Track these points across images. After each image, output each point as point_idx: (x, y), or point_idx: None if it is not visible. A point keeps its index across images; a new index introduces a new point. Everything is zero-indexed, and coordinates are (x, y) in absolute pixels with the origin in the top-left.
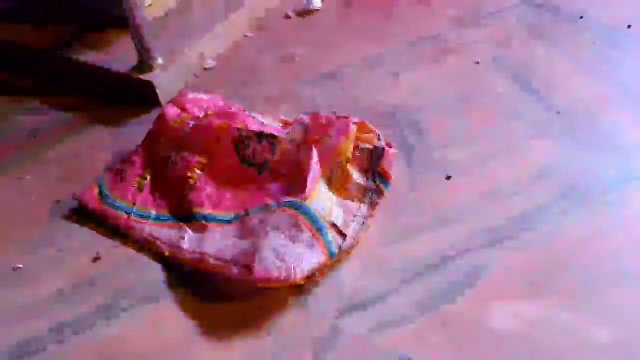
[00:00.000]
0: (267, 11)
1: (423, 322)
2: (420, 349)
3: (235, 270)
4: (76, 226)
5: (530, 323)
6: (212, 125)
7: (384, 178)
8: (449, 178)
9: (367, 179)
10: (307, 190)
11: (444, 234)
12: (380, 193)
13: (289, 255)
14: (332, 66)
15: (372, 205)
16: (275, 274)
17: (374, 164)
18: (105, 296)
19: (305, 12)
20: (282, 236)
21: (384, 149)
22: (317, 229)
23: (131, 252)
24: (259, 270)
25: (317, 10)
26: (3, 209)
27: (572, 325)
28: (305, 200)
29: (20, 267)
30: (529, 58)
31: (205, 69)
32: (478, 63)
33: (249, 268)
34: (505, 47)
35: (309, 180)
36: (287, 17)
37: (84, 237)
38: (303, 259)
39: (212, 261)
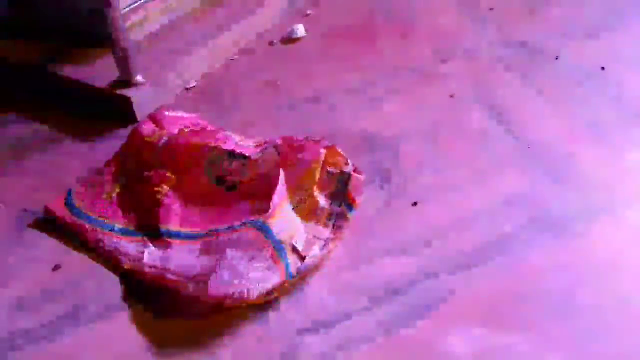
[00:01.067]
0: (252, 37)
1: (383, 344)
2: None
3: (191, 287)
4: (42, 235)
5: (487, 349)
6: (184, 142)
7: (349, 203)
8: (415, 204)
9: (332, 203)
10: (270, 210)
11: (411, 258)
12: (344, 217)
13: (245, 274)
14: (313, 92)
15: (336, 228)
16: (229, 292)
17: (340, 189)
18: (61, 307)
19: (289, 40)
20: (241, 255)
21: (350, 174)
22: (277, 249)
23: (92, 263)
24: (213, 288)
25: (301, 38)
26: None
27: (528, 354)
28: (267, 220)
29: None
30: (504, 93)
31: (187, 89)
32: (452, 97)
33: (204, 285)
34: (482, 82)
35: (274, 200)
36: (272, 44)
37: (48, 246)
38: (259, 278)
39: (170, 276)
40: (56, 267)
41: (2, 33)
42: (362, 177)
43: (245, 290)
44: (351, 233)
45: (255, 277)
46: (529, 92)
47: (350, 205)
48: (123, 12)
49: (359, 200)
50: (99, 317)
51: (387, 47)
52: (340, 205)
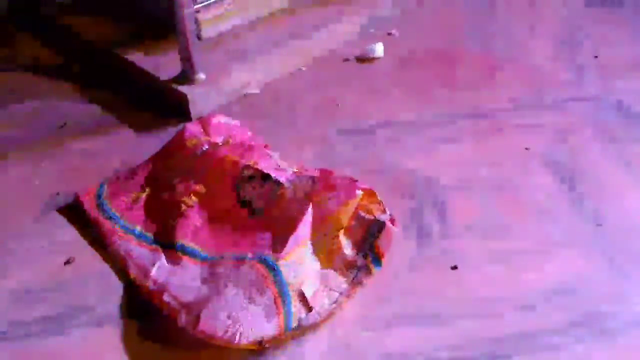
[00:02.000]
0: (327, 50)
1: None
2: None
3: (182, 317)
4: (65, 223)
5: None
6: (220, 156)
7: (377, 256)
8: (454, 268)
9: (358, 252)
10: (285, 250)
11: (431, 333)
12: (367, 272)
13: (240, 316)
14: (373, 120)
15: (355, 283)
16: (219, 332)
17: (369, 238)
18: (60, 305)
19: (365, 59)
20: (242, 293)
21: (384, 223)
22: (281, 295)
23: (103, 264)
24: (203, 323)
25: (378, 58)
26: (4, 191)
27: None
28: (279, 260)
29: None
30: (585, 158)
31: (246, 95)
32: (528, 149)
33: (196, 318)
34: (562, 140)
35: (292, 239)
36: (346, 59)
37: (68, 236)
38: (254, 324)
39: (166, 298)
40: (68, 261)
41: (79, 9)
42: (396, 229)
43: (237, 334)
44: (372, 287)
45: (250, 321)
46: (616, 162)
47: (378, 259)
48: (197, 6)
49: (388, 253)
50: (92, 324)
51: (467, 83)
52: (365, 257)
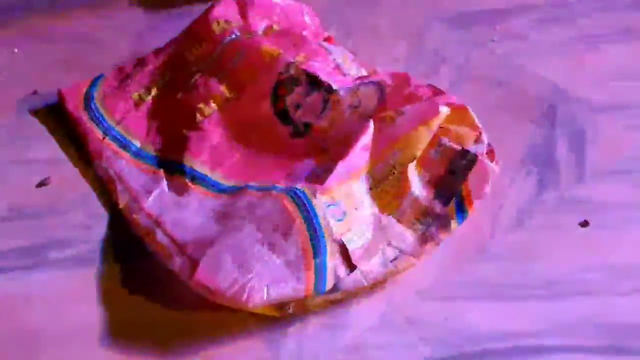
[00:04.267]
0: None
1: None
2: None
3: (177, 262)
4: (42, 131)
5: None
6: (255, 47)
7: (463, 204)
8: (585, 224)
9: (435, 196)
10: (326, 182)
11: (518, 310)
12: (445, 225)
13: (253, 266)
14: (494, 7)
15: (425, 239)
16: (221, 284)
17: (454, 176)
18: (23, 240)
19: None
20: (258, 237)
21: (476, 156)
22: (313, 245)
23: (85, 188)
24: (202, 271)
25: None
26: None
27: None
28: (316, 195)
29: None
30: None
31: None
32: None
33: (194, 264)
34: None
35: (339, 168)
36: None
37: (45, 148)
38: (272, 278)
39: (160, 237)
40: (41, 183)
41: None
42: (496, 168)
43: (246, 289)
44: (450, 245)
45: (267, 273)
46: None
47: (464, 208)
48: None
49: (478, 201)
50: (63, 264)
51: None
52: (446, 203)
